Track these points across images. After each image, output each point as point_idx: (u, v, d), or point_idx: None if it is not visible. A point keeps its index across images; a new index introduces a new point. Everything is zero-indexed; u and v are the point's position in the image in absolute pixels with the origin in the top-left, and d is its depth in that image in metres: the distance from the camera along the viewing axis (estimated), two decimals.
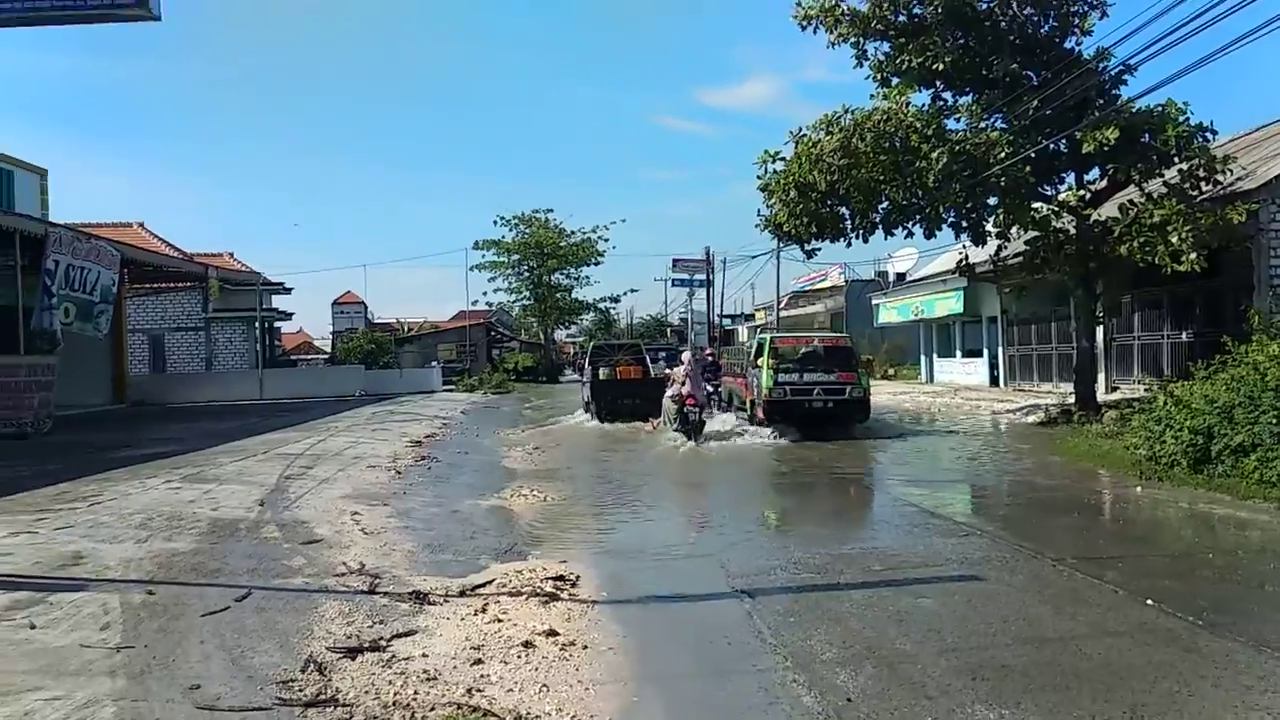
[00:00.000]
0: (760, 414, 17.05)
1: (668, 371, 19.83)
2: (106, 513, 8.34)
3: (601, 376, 21.83)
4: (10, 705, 3.84)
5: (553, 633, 5.18)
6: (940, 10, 16.22)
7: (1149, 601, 5.70)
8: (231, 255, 40.25)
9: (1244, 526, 8.09)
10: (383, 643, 4.93)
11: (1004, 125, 16.48)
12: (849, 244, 17.76)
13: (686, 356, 18.13)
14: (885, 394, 28.22)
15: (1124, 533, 8.23)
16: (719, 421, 18.04)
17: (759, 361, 17.46)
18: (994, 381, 28.57)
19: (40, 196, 28.32)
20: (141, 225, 35.97)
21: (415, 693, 4.23)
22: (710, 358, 22.04)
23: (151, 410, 25.95)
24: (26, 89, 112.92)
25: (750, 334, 59.44)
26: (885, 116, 15.56)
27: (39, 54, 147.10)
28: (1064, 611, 5.64)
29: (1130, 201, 15.68)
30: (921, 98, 17.27)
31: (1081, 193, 16.74)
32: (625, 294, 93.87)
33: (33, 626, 4.87)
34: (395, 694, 4.20)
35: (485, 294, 50.45)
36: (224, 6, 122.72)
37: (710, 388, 19.02)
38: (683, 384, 16.66)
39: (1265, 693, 4.23)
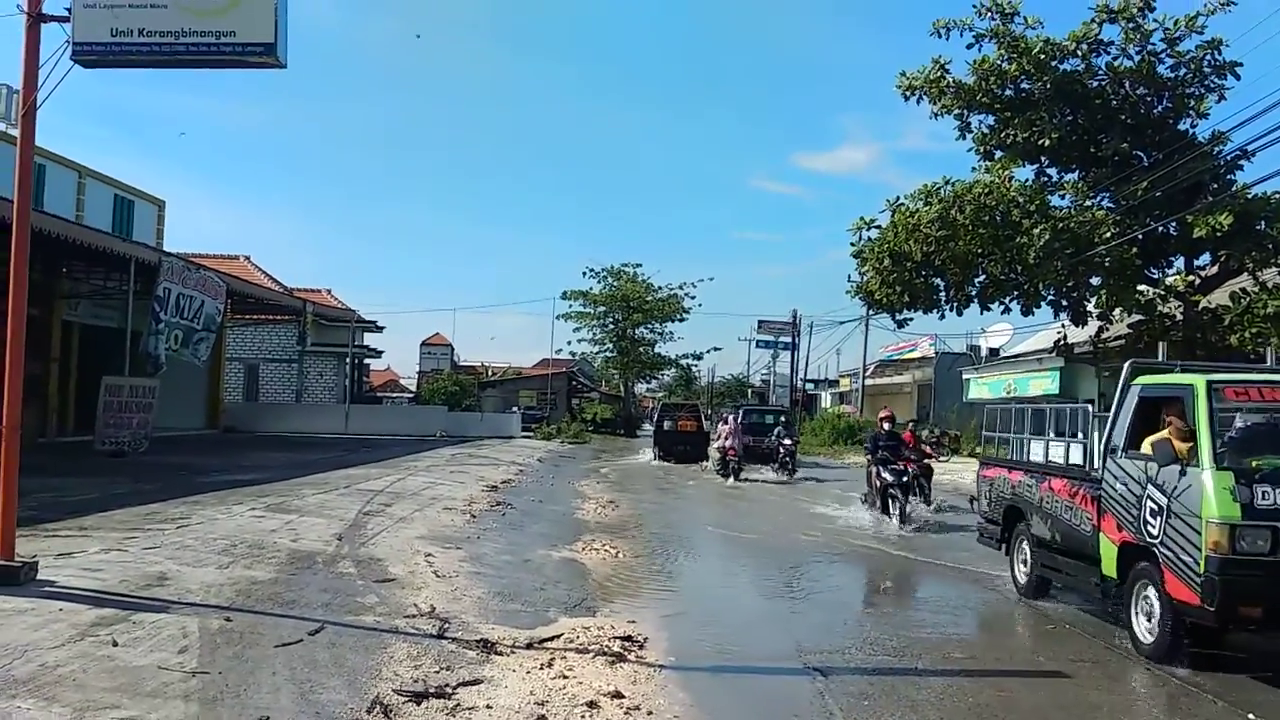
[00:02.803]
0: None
1: (722, 428, 25.00)
2: (192, 536, 8.58)
3: (665, 427, 30.11)
4: None
5: (618, 694, 5.08)
6: (1049, 86, 15.99)
7: (1250, 716, 5.33)
8: (329, 292, 41.58)
9: None
10: (449, 689, 4.91)
11: (1111, 205, 16.06)
12: (942, 316, 17.42)
13: (731, 419, 24.08)
14: (971, 473, 27.42)
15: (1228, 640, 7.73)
16: None
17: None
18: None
19: (157, 226, 29.84)
20: (248, 259, 37.49)
21: None
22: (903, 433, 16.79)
23: (242, 437, 26.78)
24: (148, 125, 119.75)
25: (833, 401, 58.76)
26: (987, 190, 15.31)
27: (161, 93, 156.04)
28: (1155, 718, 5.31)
29: (1243, 290, 15.05)
30: (1025, 173, 16.98)
31: (1191, 278, 16.14)
32: (708, 351, 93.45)
33: (115, 644, 4.99)
34: None
35: (569, 343, 50.74)
36: (344, 59, 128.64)
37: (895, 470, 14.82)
38: (727, 439, 22.61)
39: None
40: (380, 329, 41.31)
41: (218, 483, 13.24)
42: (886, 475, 14.20)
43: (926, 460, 16.11)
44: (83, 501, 10.51)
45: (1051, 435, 9.38)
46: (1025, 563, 8.70)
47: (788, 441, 23.49)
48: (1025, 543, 8.71)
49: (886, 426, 15.74)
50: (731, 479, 21.66)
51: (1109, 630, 7.62)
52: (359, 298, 61.28)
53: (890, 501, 14.10)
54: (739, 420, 23.84)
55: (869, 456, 15.50)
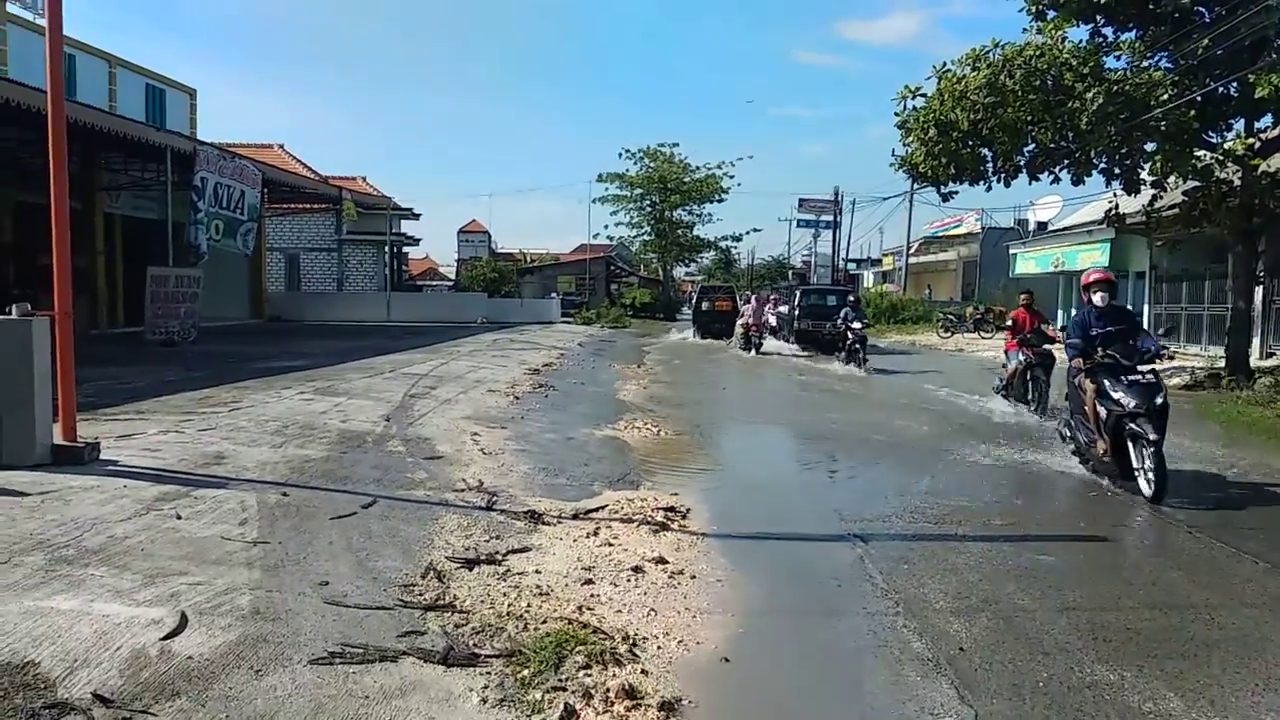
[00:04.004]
0: None
1: (744, 309, 27.64)
2: (245, 418, 8.82)
3: (703, 308, 33.25)
4: (159, 586, 4.13)
5: (662, 560, 5.22)
6: None
7: None
8: (364, 180, 41.48)
9: None
10: (499, 556, 5.08)
11: (1169, 65, 15.30)
12: (989, 187, 16.95)
13: (753, 299, 27.42)
14: None
15: (1270, 505, 7.72)
16: None
17: None
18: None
19: (189, 115, 29.73)
20: (281, 147, 37.39)
21: (528, 605, 4.34)
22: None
23: (286, 326, 27.27)
24: (178, 12, 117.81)
25: (876, 280, 58.05)
26: (1038, 52, 14.64)
27: None
28: (1198, 579, 5.35)
29: None
30: (1079, 33, 16.20)
31: (1251, 141, 15.45)
32: (748, 233, 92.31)
33: (179, 517, 5.20)
34: (509, 605, 4.33)
35: (606, 228, 50.71)
36: None
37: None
38: (749, 317, 25.42)
39: None
40: (417, 216, 41.36)
41: (266, 369, 13.54)
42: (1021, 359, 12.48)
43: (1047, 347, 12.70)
44: (138, 388, 10.82)
45: None
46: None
47: (857, 325, 20.41)
48: None
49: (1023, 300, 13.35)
50: (752, 351, 24.52)
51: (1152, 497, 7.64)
52: (393, 186, 60.92)
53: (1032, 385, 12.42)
54: (791, 300, 25.72)
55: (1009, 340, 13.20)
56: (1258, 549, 5.95)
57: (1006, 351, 13.41)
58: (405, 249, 47.22)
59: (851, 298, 22.33)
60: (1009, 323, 13.54)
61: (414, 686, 3.41)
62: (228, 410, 9.29)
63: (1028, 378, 12.50)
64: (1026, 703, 3.61)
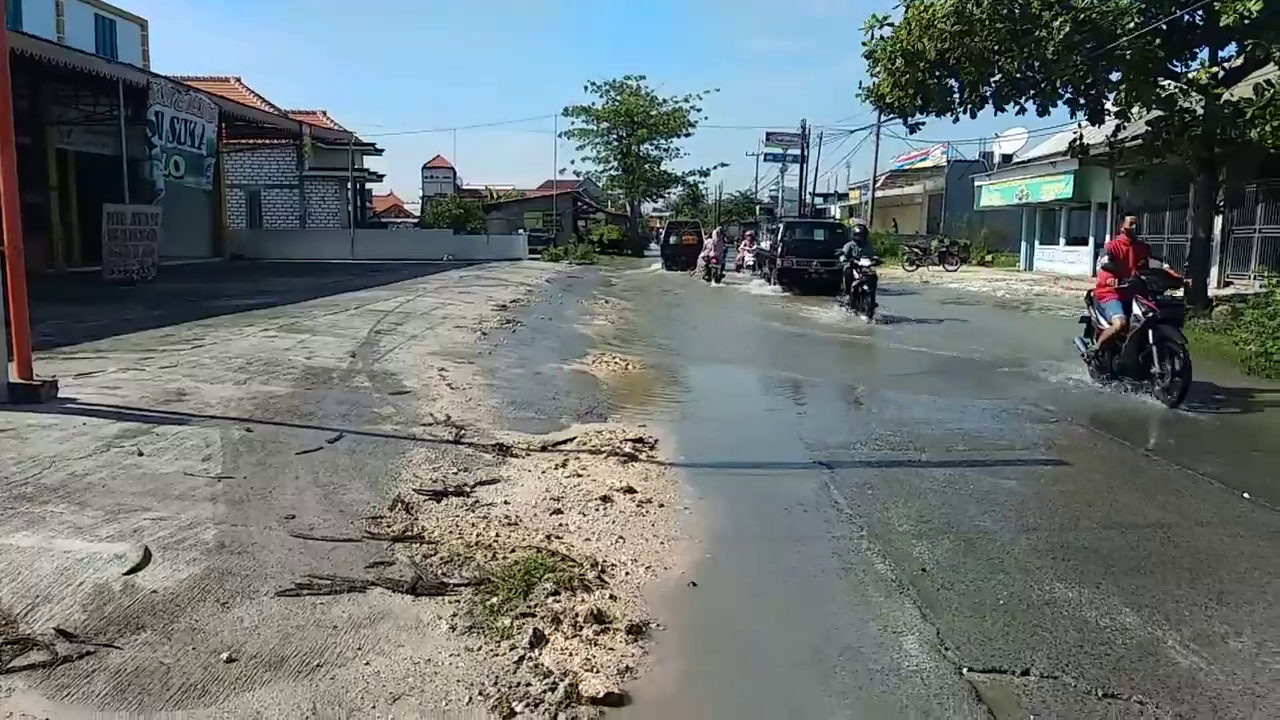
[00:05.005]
0: None
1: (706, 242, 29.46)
2: (208, 355, 8.70)
3: (670, 242, 35.82)
4: (122, 522, 4.08)
5: (630, 490, 5.25)
6: None
7: (1245, 495, 5.51)
8: (325, 114, 40.52)
9: None
10: (467, 488, 5.08)
11: None
12: (955, 119, 16.91)
13: (714, 234, 29.54)
14: (979, 280, 27.43)
15: (1224, 428, 7.90)
16: None
17: None
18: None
19: (141, 47, 28.76)
20: (239, 80, 36.34)
21: (497, 535, 4.36)
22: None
23: (248, 264, 26.81)
24: None
25: (843, 214, 58.00)
26: None
27: None
28: (1154, 500, 5.49)
29: (1267, 81, 14.44)
30: None
31: (1214, 70, 15.46)
32: (715, 168, 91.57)
33: (140, 454, 5.13)
34: (478, 535, 4.34)
35: (573, 162, 49.93)
36: None
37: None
38: (710, 251, 27.46)
39: None
40: (380, 151, 40.56)
41: (229, 307, 13.33)
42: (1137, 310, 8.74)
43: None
44: (96, 327, 10.61)
45: None
46: None
47: (865, 263, 16.31)
48: None
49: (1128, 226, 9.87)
50: (713, 281, 26.54)
51: (1115, 424, 7.80)
52: (355, 120, 59.58)
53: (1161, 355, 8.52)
54: (774, 235, 25.47)
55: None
56: (1213, 470, 6.10)
57: (1098, 301, 9.50)
58: (369, 185, 46.38)
59: (857, 229, 18.69)
60: (1104, 258, 9.61)
61: (382, 616, 3.42)
62: (189, 348, 9.15)
63: (1149, 340, 8.53)
64: (987, 620, 3.69)
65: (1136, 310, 8.70)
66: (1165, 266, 9.61)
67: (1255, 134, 14.10)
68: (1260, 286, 15.59)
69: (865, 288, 16.19)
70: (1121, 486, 5.81)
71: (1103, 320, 9.31)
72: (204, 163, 21.22)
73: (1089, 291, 10.04)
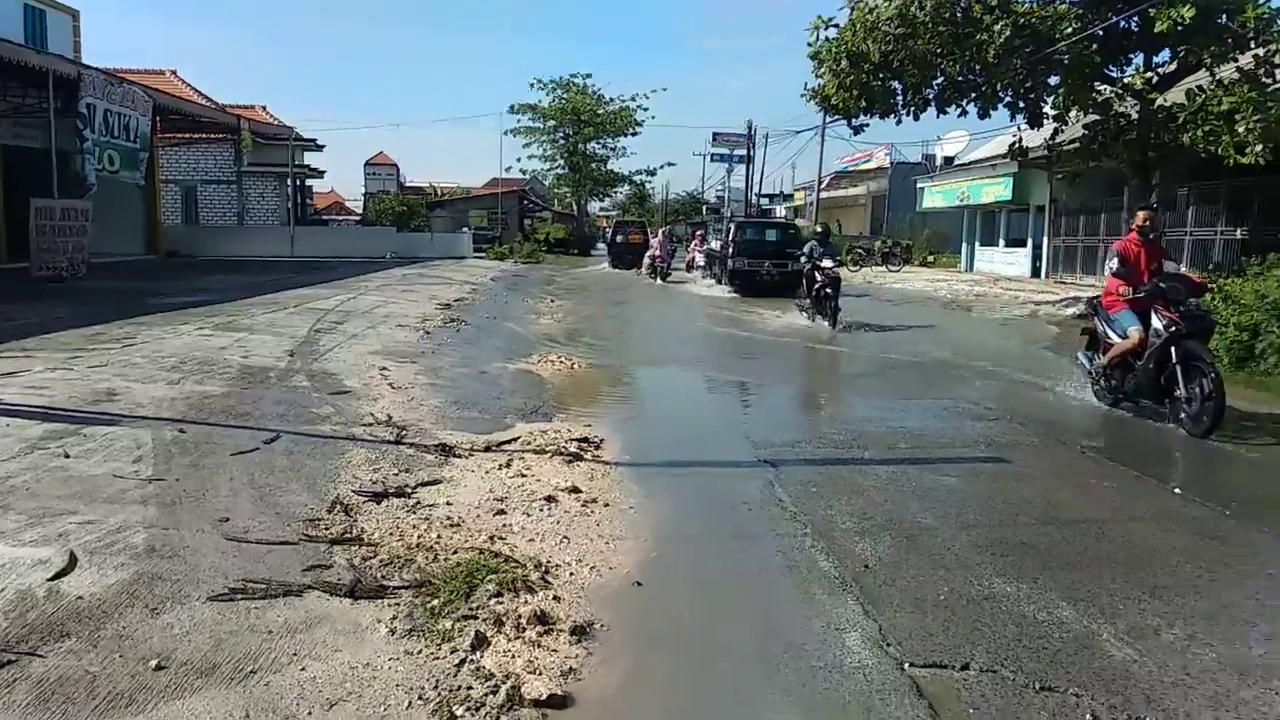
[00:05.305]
0: None
1: (653, 242, 30.28)
2: (140, 355, 8.45)
3: (618, 240, 36.64)
4: (46, 526, 3.93)
5: (575, 489, 5.21)
6: None
7: (1176, 490, 5.65)
8: (265, 109, 39.69)
9: None
10: (408, 490, 5.00)
11: None
12: (899, 121, 17.13)
13: (660, 234, 30.62)
14: (922, 281, 27.85)
15: (1157, 425, 8.10)
16: None
17: None
18: (1035, 273, 28.00)
19: (73, 38, 27.90)
20: (174, 73, 35.43)
21: (439, 537, 4.29)
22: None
23: (184, 261, 26.15)
24: None
25: (788, 215, 58.46)
26: None
27: None
28: (1089, 496, 5.60)
29: (1199, 87, 14.88)
30: None
31: (1149, 75, 15.89)
32: (662, 167, 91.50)
33: (67, 455, 4.96)
34: (419, 537, 4.26)
35: (519, 160, 49.55)
36: None
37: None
38: (656, 250, 28.33)
39: None
40: (321, 148, 39.88)
41: (163, 305, 12.98)
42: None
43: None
44: (23, 325, 10.25)
45: None
46: None
47: (828, 264, 15.35)
48: None
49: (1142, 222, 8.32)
50: (659, 279, 27.23)
51: (1054, 421, 7.95)
52: (296, 116, 58.51)
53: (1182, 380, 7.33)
54: (725, 235, 25.07)
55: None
56: (1145, 467, 6.25)
57: (1107, 311, 8.24)
58: (309, 182, 45.52)
59: (819, 228, 17.32)
60: (1112, 261, 8.10)
61: (320, 620, 3.34)
62: (121, 346, 8.88)
63: (1171, 358, 7.36)
64: (928, 615, 3.72)
65: (1157, 323, 7.50)
66: (1184, 270, 8.44)
67: (1187, 138, 14.51)
68: None
69: (828, 290, 15.13)
70: (1057, 483, 5.91)
71: (1112, 333, 8.06)
72: (139, 157, 20.65)
73: (1092, 299, 8.98)
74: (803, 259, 16.38)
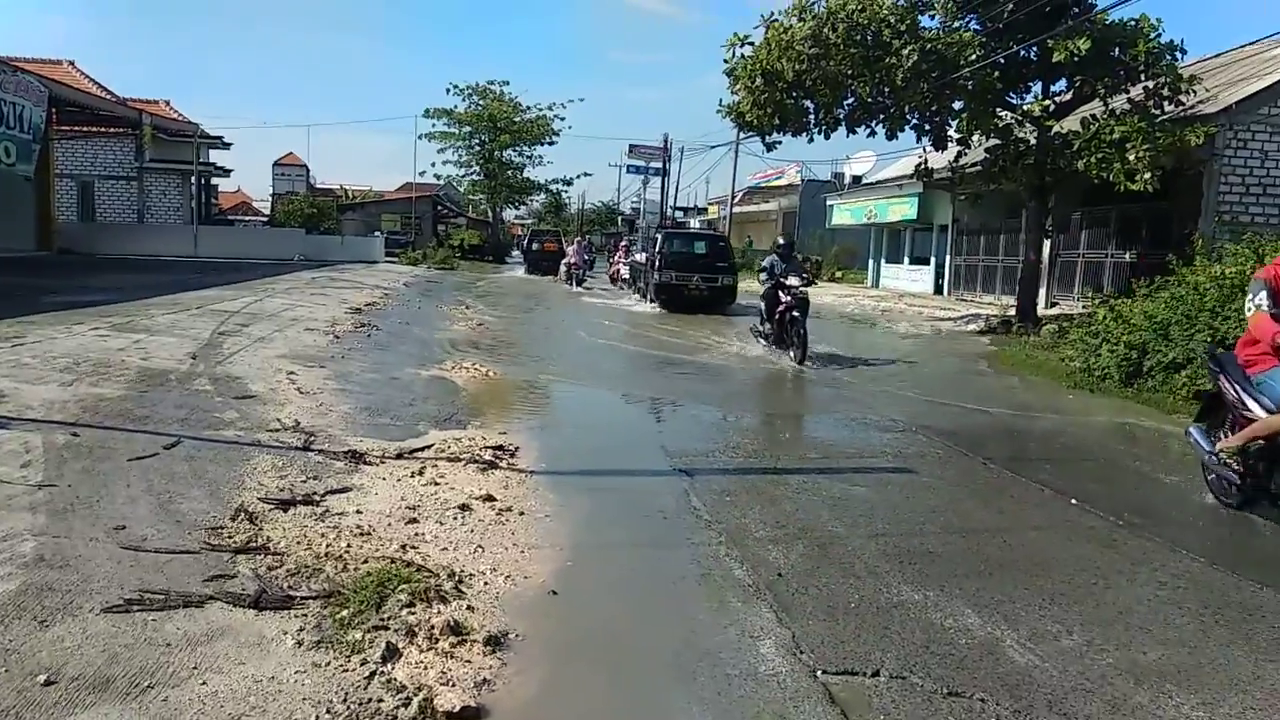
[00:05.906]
0: None
1: (569, 249, 32.07)
2: (30, 354, 8.05)
3: (533, 248, 38.99)
4: None
5: (490, 498, 5.15)
6: None
7: (1073, 501, 5.87)
8: (168, 104, 38.32)
9: (1167, 438, 8.32)
10: (316, 497, 4.86)
11: (978, 27, 16.21)
12: (810, 139, 17.56)
13: (575, 243, 31.76)
14: (830, 296, 28.42)
15: (1053, 438, 8.44)
16: None
17: None
18: (938, 290, 28.88)
19: None
20: (72, 64, 33.96)
21: (348, 546, 4.18)
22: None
23: (79, 259, 25.03)
24: None
25: (702, 227, 59.04)
26: (859, 6, 15.16)
27: None
28: (991, 506, 5.79)
29: (1093, 116, 15.62)
30: None
31: (1047, 103, 16.62)
32: (578, 177, 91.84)
33: None
34: (328, 546, 4.15)
35: (434, 165, 49.01)
36: None
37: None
38: (572, 258, 30.07)
39: (1178, 589, 4.40)
40: (227, 146, 38.74)
41: (55, 303, 12.38)
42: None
43: None
44: None
45: None
46: None
47: (795, 282, 12.59)
48: None
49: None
50: (575, 286, 28.41)
51: (953, 433, 8.19)
52: (202, 113, 56.69)
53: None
54: (650, 247, 24.36)
55: None
56: (1044, 478, 6.50)
57: (1251, 371, 5.40)
58: (215, 180, 44.12)
59: (781, 240, 14.14)
60: (1258, 297, 5.30)
61: (222, 632, 3.22)
62: (9, 346, 8.43)
63: None
64: (840, 623, 3.79)
65: None
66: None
67: (1081, 164, 15.20)
68: (1083, 307, 16.81)
69: (795, 314, 12.36)
70: (961, 493, 6.09)
71: (1255, 405, 5.30)
72: (30, 149, 19.70)
73: (1213, 350, 6.47)
74: (762, 275, 13.37)
